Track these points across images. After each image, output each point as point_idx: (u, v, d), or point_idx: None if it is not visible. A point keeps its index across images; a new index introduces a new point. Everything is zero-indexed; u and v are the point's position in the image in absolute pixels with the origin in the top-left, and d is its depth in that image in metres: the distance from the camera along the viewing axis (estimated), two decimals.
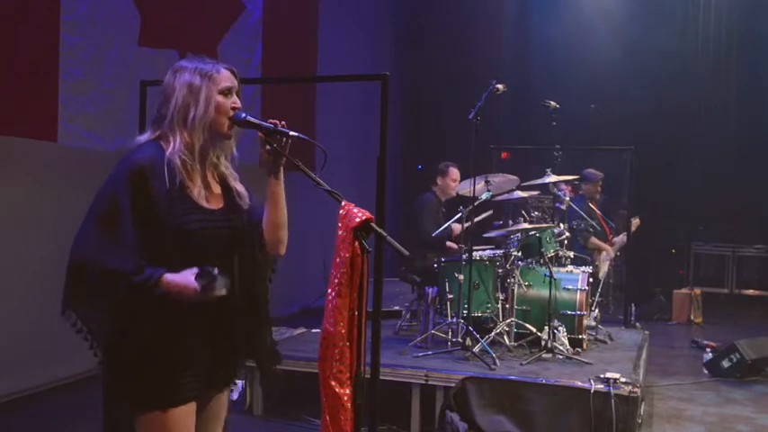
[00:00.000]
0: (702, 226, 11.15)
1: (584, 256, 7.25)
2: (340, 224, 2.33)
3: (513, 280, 5.75)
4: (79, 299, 2.15)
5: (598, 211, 7.83)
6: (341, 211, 2.34)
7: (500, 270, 5.91)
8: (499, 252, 6.06)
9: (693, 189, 10.76)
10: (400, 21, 11.53)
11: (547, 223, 6.29)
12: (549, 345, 5.42)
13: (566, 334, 5.60)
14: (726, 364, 6.32)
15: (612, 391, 4.47)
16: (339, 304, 2.32)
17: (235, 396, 5.20)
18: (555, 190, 6.56)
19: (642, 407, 4.85)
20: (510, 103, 9.31)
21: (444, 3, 11.08)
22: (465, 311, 5.52)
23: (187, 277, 2.14)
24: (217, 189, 2.35)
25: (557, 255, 6.23)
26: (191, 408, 2.28)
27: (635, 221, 8.19)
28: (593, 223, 7.65)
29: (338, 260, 2.32)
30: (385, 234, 2.31)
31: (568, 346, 5.51)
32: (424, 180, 6.87)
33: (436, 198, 6.49)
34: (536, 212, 6.38)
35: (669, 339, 8.03)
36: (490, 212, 6.57)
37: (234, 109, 2.32)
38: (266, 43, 7.70)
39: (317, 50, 8.74)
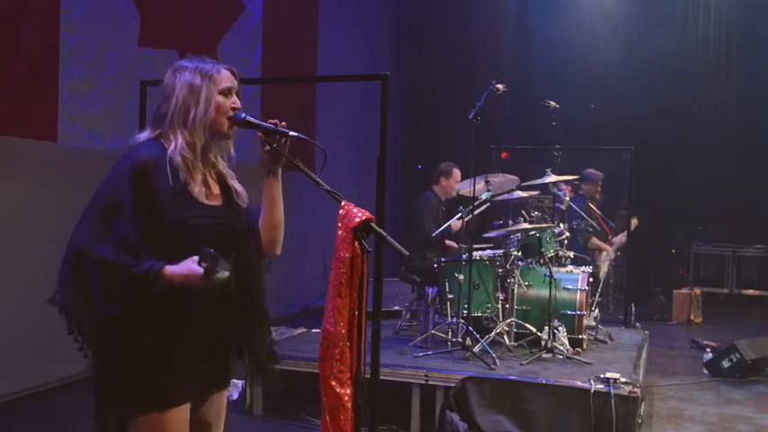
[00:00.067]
0: (702, 226, 11.15)
1: (584, 256, 7.25)
2: (340, 224, 2.33)
3: (513, 280, 5.75)
4: (75, 292, 2.13)
5: (598, 211, 7.83)
6: (341, 211, 2.34)
7: (500, 270, 5.91)
8: (499, 252, 6.06)
9: (693, 189, 10.76)
10: (400, 21, 11.53)
11: (547, 223, 6.29)
12: (549, 345, 5.42)
13: (566, 334, 5.60)
14: (726, 364, 6.32)
15: (612, 391, 4.47)
16: (339, 304, 2.33)
17: (235, 396, 5.21)
18: (555, 190, 6.56)
19: (642, 407, 4.85)
20: (510, 103, 9.31)
21: (444, 3, 11.08)
22: (465, 311, 5.52)
23: (189, 265, 2.13)
24: (216, 188, 2.36)
25: (557, 255, 6.23)
26: (187, 408, 2.28)
27: (633, 222, 8.20)
28: (593, 223, 7.65)
29: (338, 260, 2.32)
30: (385, 234, 2.31)
31: (568, 346, 5.51)
32: (423, 180, 6.88)
33: (436, 198, 6.50)
34: (536, 212, 6.38)
35: (669, 339, 8.03)
36: (488, 204, 6.55)
37: (234, 109, 2.33)
38: (266, 43, 7.70)
39: (317, 50, 8.74)
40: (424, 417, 4.85)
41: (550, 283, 5.58)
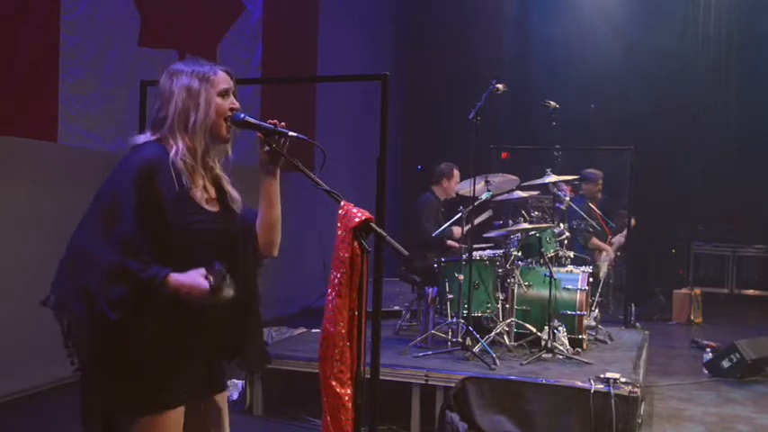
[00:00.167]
0: (702, 226, 11.15)
1: (584, 256, 7.25)
2: (339, 224, 2.33)
3: (513, 280, 5.75)
4: (74, 293, 2.10)
5: (598, 211, 7.82)
6: (340, 211, 2.34)
7: (500, 270, 5.91)
8: (499, 252, 6.06)
9: (693, 189, 10.76)
10: (400, 21, 11.53)
11: (547, 223, 6.29)
12: (549, 345, 5.42)
13: (566, 334, 5.60)
14: (726, 364, 6.32)
15: (612, 391, 4.47)
16: (339, 304, 2.33)
17: (235, 396, 5.22)
18: (555, 190, 6.56)
19: (642, 407, 4.85)
20: (510, 103, 9.31)
21: (444, 3, 11.08)
22: (465, 311, 5.52)
23: (195, 277, 2.12)
24: (213, 192, 2.35)
25: (557, 255, 6.23)
26: (182, 410, 2.28)
27: (631, 221, 8.19)
28: (593, 223, 7.65)
29: (338, 260, 2.32)
30: (385, 234, 2.31)
31: (568, 346, 5.51)
32: (423, 180, 6.88)
33: (436, 198, 6.50)
34: (536, 212, 6.39)
35: (669, 339, 8.03)
36: (490, 213, 6.57)
37: (232, 110, 2.32)
38: (266, 43, 7.70)
39: (317, 50, 8.74)
40: (424, 417, 4.85)
41: (550, 283, 5.58)
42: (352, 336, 2.34)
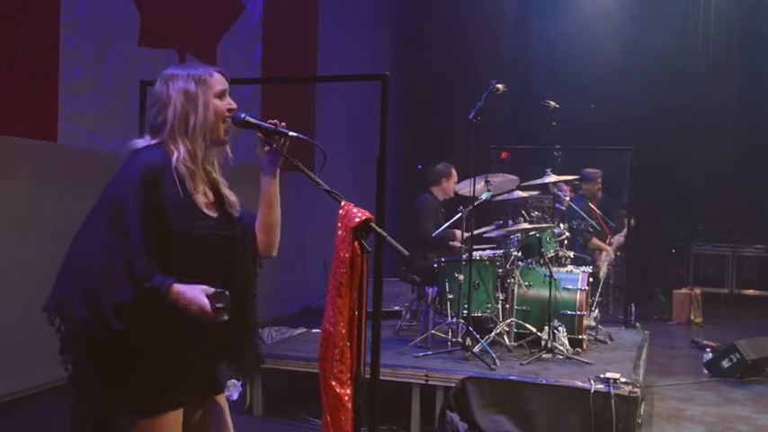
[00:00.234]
0: (702, 226, 11.14)
1: (584, 256, 7.25)
2: (339, 224, 2.33)
3: (513, 280, 5.75)
4: (75, 297, 2.09)
5: (598, 211, 7.83)
6: (340, 212, 2.34)
7: (500, 270, 5.91)
8: (499, 252, 6.06)
9: (693, 189, 10.76)
10: (400, 21, 11.53)
11: (547, 223, 6.29)
12: (549, 345, 5.42)
13: (566, 334, 5.60)
14: (726, 364, 6.32)
15: (612, 391, 4.47)
16: (339, 304, 2.33)
17: (235, 396, 5.21)
18: (555, 190, 6.57)
19: (642, 407, 4.85)
20: (510, 103, 9.31)
21: (444, 3, 11.07)
22: (465, 311, 5.52)
23: (197, 293, 2.12)
24: (211, 196, 2.35)
25: (557, 255, 6.23)
26: (181, 412, 2.28)
27: (631, 221, 8.20)
28: (593, 223, 7.65)
29: (338, 260, 2.32)
30: (385, 234, 2.31)
31: (568, 346, 5.51)
32: (423, 180, 6.88)
33: (435, 199, 6.49)
34: (536, 212, 6.39)
35: (669, 339, 8.03)
36: (494, 228, 6.51)
37: (230, 110, 2.32)
38: (266, 43, 7.70)
39: (317, 50, 8.74)
40: (424, 417, 4.85)
41: (550, 283, 5.58)
42: (352, 336, 2.34)
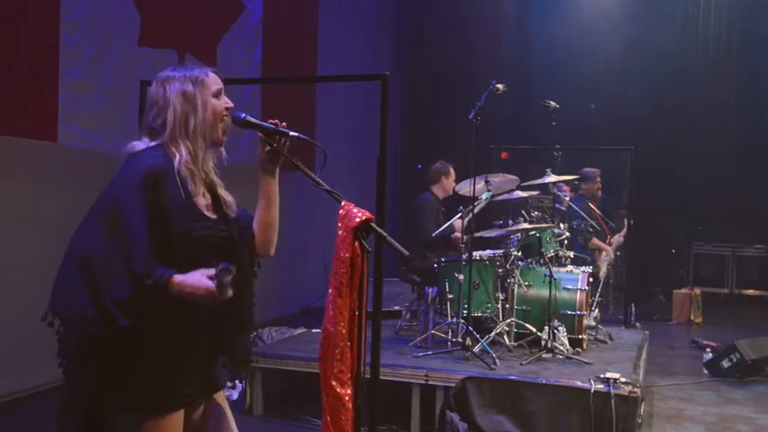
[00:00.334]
0: (702, 226, 11.14)
1: (584, 256, 7.25)
2: (340, 224, 2.33)
3: (513, 280, 5.75)
4: (80, 293, 2.08)
5: (598, 212, 7.83)
6: (341, 211, 2.34)
7: (500, 270, 5.91)
8: (499, 252, 6.06)
9: (693, 189, 10.76)
10: (400, 21, 11.53)
11: (547, 223, 6.29)
12: (549, 345, 5.42)
13: (566, 334, 5.60)
14: (726, 364, 6.32)
15: (612, 391, 4.47)
16: (340, 304, 2.33)
17: (235, 396, 5.21)
18: (555, 190, 6.57)
19: (642, 407, 4.85)
20: (510, 103, 9.31)
21: (444, 3, 11.07)
22: (465, 311, 5.52)
23: (198, 277, 2.12)
24: (209, 198, 2.35)
25: (557, 255, 6.23)
26: (182, 412, 2.28)
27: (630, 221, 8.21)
28: (593, 223, 7.65)
29: (338, 260, 2.32)
30: (385, 234, 2.31)
31: (568, 346, 5.51)
32: (423, 180, 6.88)
33: (435, 198, 6.49)
34: (536, 212, 6.39)
35: (669, 339, 8.03)
36: (496, 231, 6.51)
37: (227, 109, 2.33)
38: (266, 43, 7.70)
39: (317, 50, 8.74)
40: (424, 417, 4.85)
41: (550, 283, 5.58)
42: (352, 336, 2.34)
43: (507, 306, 5.78)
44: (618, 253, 8.25)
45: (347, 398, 2.34)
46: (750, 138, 10.76)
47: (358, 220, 2.29)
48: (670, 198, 10.67)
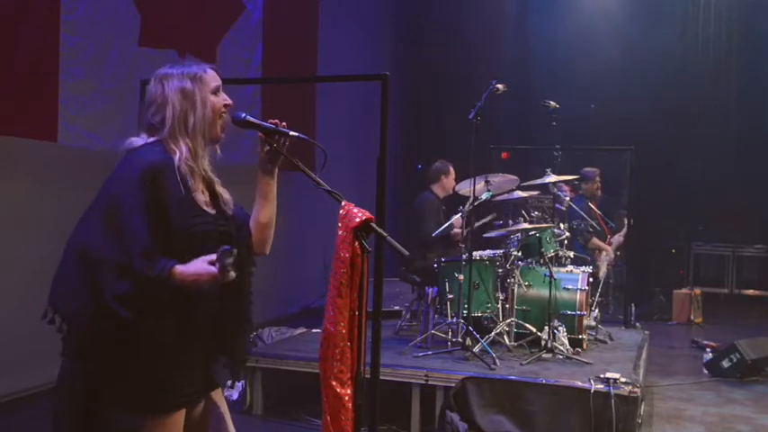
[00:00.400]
0: (702, 226, 11.14)
1: (584, 256, 7.25)
2: (340, 224, 2.33)
3: (513, 280, 5.75)
4: (79, 288, 2.08)
5: (598, 211, 7.83)
6: (341, 211, 2.34)
7: (500, 270, 5.91)
8: (499, 252, 6.06)
9: (693, 189, 10.76)
10: (400, 21, 11.54)
11: (547, 223, 6.30)
12: (549, 345, 5.42)
13: (566, 334, 5.60)
14: (726, 364, 6.32)
15: (612, 391, 4.47)
16: (340, 304, 2.33)
17: (235, 396, 5.21)
18: (555, 190, 6.57)
19: (642, 407, 4.85)
20: (510, 103, 9.29)
21: (444, 3, 11.07)
22: (465, 311, 5.52)
23: (199, 264, 2.11)
24: (207, 194, 2.35)
25: (557, 255, 6.23)
26: (183, 411, 2.27)
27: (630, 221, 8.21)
28: (593, 223, 7.65)
29: (338, 260, 2.32)
30: (385, 234, 2.31)
31: (568, 346, 5.51)
32: (423, 180, 6.89)
33: (436, 197, 6.49)
34: (536, 212, 6.39)
35: (669, 339, 8.03)
36: (493, 216, 6.55)
37: (226, 106, 2.33)
38: (266, 43, 7.70)
39: (317, 50, 8.74)
40: (424, 417, 4.85)
41: (550, 283, 5.58)
42: (352, 336, 2.34)
43: (507, 306, 5.78)
44: (618, 253, 8.25)
45: (347, 398, 2.34)
46: (750, 138, 10.75)
47: (358, 220, 2.29)
48: (670, 198, 10.66)
